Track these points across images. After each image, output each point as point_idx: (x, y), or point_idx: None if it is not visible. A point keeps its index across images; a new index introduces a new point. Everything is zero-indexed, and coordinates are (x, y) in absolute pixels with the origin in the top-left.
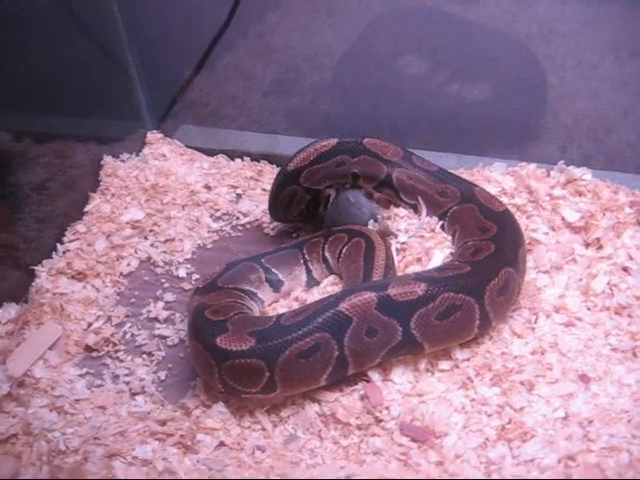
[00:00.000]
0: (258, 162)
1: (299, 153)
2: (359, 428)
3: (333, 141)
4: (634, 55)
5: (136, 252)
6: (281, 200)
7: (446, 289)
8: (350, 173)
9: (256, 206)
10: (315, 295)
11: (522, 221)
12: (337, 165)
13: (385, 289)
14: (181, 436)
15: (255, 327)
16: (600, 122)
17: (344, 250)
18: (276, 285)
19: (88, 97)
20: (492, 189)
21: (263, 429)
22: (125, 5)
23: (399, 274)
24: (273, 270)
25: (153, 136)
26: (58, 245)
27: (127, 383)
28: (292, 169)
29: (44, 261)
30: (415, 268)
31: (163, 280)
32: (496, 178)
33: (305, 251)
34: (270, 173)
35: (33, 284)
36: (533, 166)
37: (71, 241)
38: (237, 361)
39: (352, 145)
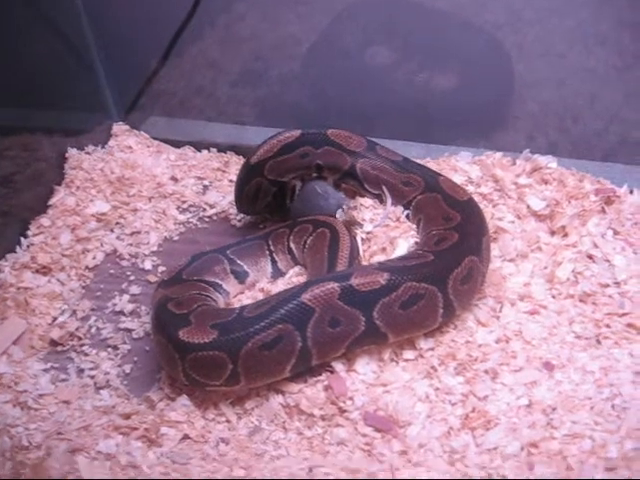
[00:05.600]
0: (225, 153)
1: (262, 145)
2: (323, 419)
3: (296, 133)
4: (601, 44)
5: (102, 245)
6: (247, 193)
7: (409, 278)
8: (314, 164)
9: (223, 197)
10: (280, 286)
11: (488, 210)
12: (301, 157)
13: (348, 279)
14: (145, 430)
15: (218, 319)
16: (567, 110)
17: (309, 240)
18: (241, 276)
19: (53, 89)
20: (458, 178)
21: (227, 421)
22: None
23: (364, 264)
24: (238, 261)
25: (119, 128)
26: (22, 239)
27: (92, 377)
28: (255, 162)
29: (8, 255)
30: (380, 258)
31: (129, 273)
32: (462, 167)
33: (270, 242)
34: (237, 164)
35: None
36: (499, 155)
37: (35, 235)
38: (200, 354)
39: (316, 136)
